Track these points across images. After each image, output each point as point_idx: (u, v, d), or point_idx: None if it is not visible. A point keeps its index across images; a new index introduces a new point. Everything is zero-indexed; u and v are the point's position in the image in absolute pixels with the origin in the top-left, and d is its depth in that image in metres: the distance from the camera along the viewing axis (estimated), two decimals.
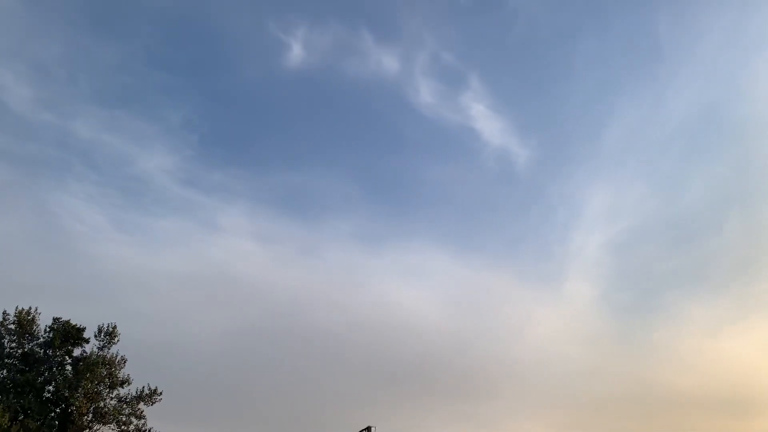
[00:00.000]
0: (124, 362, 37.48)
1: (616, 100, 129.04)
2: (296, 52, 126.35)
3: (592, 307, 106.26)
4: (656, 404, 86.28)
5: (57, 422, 34.46)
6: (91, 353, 36.57)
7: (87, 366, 35.39)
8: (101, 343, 37.28)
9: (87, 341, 37.30)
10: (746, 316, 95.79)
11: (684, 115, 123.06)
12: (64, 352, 36.60)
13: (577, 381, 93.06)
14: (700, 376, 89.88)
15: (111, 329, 37.87)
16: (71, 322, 37.01)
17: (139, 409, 37.00)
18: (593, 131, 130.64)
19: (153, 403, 37.50)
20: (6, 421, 30.19)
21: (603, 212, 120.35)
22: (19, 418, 32.40)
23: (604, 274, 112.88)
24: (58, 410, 34.99)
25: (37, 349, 35.84)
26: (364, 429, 54.01)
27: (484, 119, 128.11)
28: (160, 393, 37.75)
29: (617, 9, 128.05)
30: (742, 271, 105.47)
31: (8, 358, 34.91)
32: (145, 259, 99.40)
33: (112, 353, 37.23)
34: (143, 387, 37.42)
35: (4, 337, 35.30)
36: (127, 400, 36.97)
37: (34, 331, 36.22)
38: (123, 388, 36.91)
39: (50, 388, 35.06)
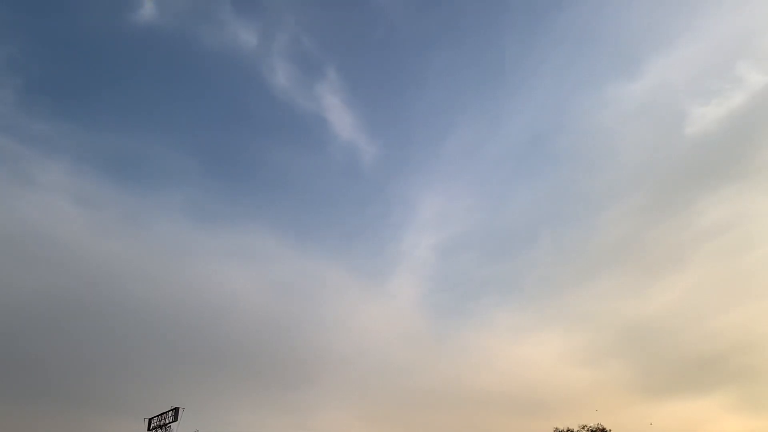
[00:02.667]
0: None
1: (460, 114, 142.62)
2: (147, 9, 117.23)
3: (414, 306, 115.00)
4: (460, 400, 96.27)
5: None
6: None
7: None
8: None
9: None
10: (546, 327, 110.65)
11: (516, 138, 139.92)
12: None
13: (391, 375, 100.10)
14: (501, 377, 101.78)
15: None
16: None
17: None
18: (436, 139, 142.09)
19: None
20: None
21: (434, 217, 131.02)
22: None
23: (429, 275, 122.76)
24: None
25: None
26: (171, 410, 52.86)
27: (337, 111, 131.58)
28: None
29: (471, 28, 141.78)
30: (547, 285, 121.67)
31: None
32: None
33: None
34: None
35: None
36: None
37: None
38: None
39: None
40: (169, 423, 54.58)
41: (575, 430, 67.73)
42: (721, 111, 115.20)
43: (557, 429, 68.12)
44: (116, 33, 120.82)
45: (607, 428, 67.04)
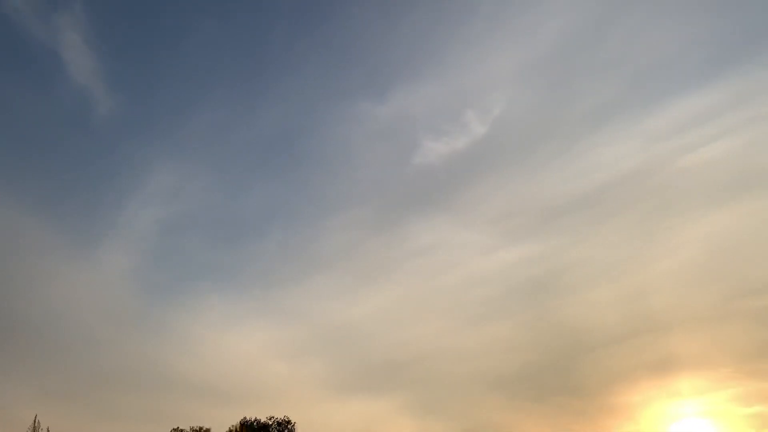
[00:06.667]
0: None
1: (215, 90, 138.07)
2: None
3: (123, 279, 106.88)
4: (158, 384, 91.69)
5: None
6: None
7: None
8: None
9: None
10: (258, 319, 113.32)
11: (266, 130, 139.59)
12: None
13: (86, 349, 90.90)
14: (204, 364, 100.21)
15: None
16: None
17: None
18: (184, 109, 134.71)
19: None
20: None
21: (165, 190, 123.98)
22: None
23: (147, 250, 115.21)
24: None
25: None
26: None
27: (76, 51, 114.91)
28: None
29: (241, 5, 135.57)
30: (268, 279, 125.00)
31: None
32: None
33: None
34: None
35: None
36: None
37: None
38: None
39: None
40: None
41: (263, 420, 70.70)
42: (446, 149, 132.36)
43: (245, 418, 70.19)
44: None
45: (293, 420, 71.62)
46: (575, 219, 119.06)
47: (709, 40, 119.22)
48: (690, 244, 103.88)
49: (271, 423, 70.71)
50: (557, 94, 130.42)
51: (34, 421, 62.80)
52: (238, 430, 69.12)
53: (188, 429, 68.07)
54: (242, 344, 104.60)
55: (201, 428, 68.61)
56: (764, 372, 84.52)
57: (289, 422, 71.49)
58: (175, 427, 68.23)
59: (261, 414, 70.92)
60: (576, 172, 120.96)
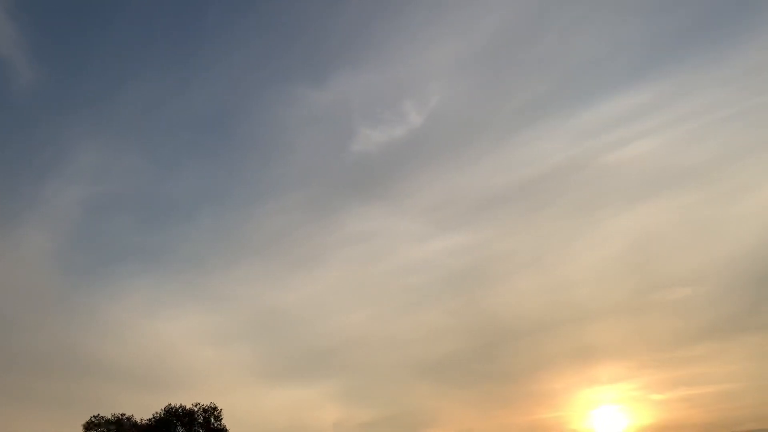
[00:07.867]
0: None
1: (147, 67, 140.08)
2: None
3: (43, 260, 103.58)
4: (78, 368, 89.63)
5: None
6: None
7: None
8: None
9: None
10: (186, 304, 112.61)
11: (199, 110, 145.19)
12: None
13: (0, 333, 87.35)
14: (128, 348, 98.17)
15: None
16: None
17: None
18: (114, 84, 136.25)
19: None
20: None
21: (90, 168, 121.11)
22: None
23: (69, 230, 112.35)
24: None
25: None
26: None
27: None
28: None
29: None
30: (196, 263, 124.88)
31: None
32: None
33: None
34: None
35: None
36: None
37: None
38: None
39: None
40: None
41: (188, 407, 69.69)
42: (383, 138, 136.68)
43: (170, 405, 68.98)
44: None
45: (219, 407, 70.92)
46: (505, 211, 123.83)
47: (637, 42, 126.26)
48: (612, 237, 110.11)
49: (196, 410, 69.57)
50: (492, 89, 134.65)
51: None
52: (162, 417, 67.98)
53: (109, 416, 66.36)
54: (169, 329, 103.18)
55: (122, 415, 67.06)
56: (673, 361, 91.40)
57: (215, 409, 70.60)
58: (95, 414, 66.35)
59: (186, 401, 69.91)
60: (507, 165, 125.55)
